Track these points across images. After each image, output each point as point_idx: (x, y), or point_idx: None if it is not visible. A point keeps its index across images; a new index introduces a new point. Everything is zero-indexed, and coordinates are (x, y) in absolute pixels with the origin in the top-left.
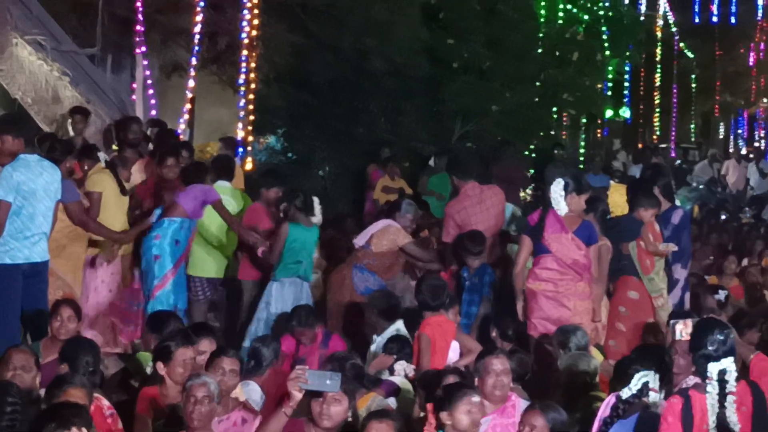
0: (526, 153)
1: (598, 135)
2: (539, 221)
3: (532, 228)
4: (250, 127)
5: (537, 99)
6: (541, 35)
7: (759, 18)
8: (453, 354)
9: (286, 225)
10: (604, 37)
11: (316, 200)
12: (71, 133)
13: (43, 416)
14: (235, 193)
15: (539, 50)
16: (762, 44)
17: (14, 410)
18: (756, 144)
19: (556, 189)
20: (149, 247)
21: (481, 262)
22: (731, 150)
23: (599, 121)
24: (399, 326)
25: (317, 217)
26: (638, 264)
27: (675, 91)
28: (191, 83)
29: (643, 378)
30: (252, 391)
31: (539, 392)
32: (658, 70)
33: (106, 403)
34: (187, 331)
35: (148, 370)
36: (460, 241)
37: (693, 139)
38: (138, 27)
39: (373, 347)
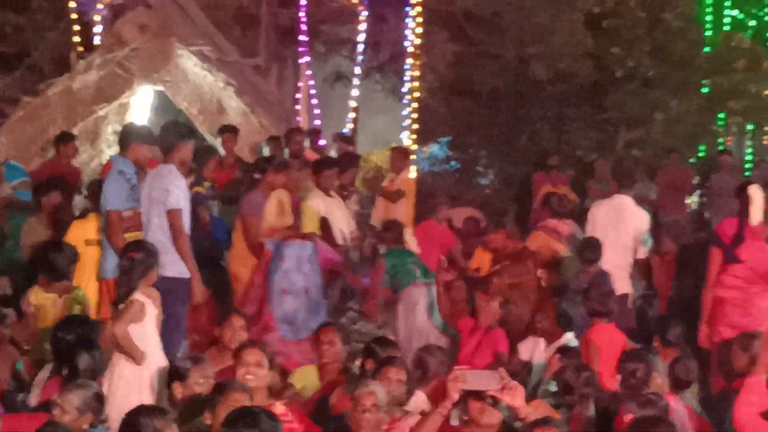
0: (692, 160)
1: (764, 141)
2: (737, 231)
3: (719, 238)
4: (413, 136)
5: (702, 107)
6: (706, 43)
7: None
8: None
9: None
10: None
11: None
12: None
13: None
14: None
15: (704, 58)
16: None
17: None
18: None
19: (758, 196)
20: None
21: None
22: None
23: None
24: (570, 337)
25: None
26: None
27: None
28: (355, 92)
29: None
30: (418, 401)
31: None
32: None
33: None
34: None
35: None
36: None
37: None
38: (301, 37)
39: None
